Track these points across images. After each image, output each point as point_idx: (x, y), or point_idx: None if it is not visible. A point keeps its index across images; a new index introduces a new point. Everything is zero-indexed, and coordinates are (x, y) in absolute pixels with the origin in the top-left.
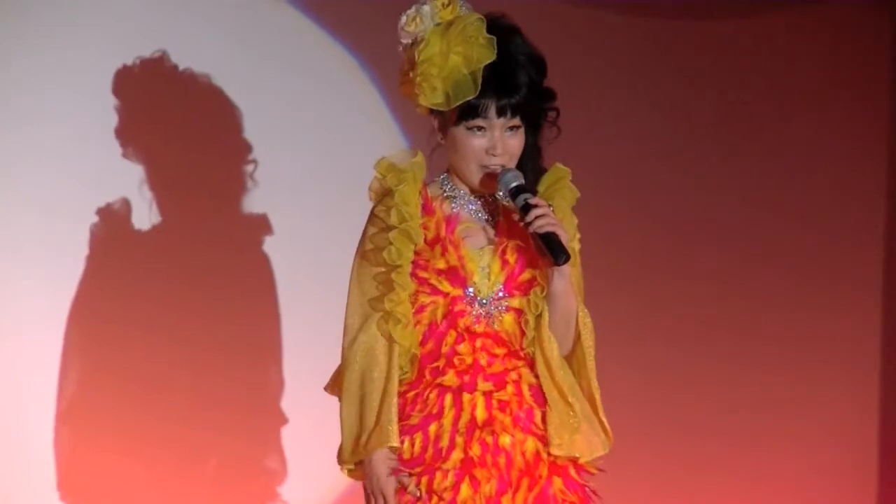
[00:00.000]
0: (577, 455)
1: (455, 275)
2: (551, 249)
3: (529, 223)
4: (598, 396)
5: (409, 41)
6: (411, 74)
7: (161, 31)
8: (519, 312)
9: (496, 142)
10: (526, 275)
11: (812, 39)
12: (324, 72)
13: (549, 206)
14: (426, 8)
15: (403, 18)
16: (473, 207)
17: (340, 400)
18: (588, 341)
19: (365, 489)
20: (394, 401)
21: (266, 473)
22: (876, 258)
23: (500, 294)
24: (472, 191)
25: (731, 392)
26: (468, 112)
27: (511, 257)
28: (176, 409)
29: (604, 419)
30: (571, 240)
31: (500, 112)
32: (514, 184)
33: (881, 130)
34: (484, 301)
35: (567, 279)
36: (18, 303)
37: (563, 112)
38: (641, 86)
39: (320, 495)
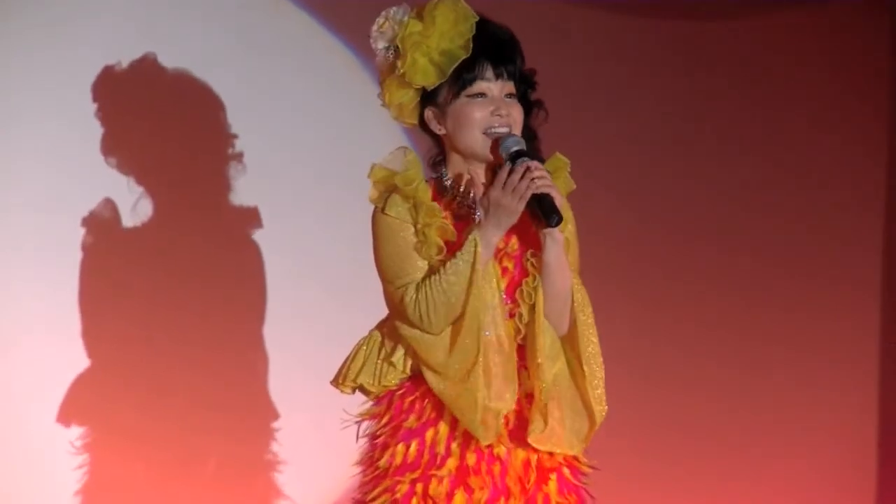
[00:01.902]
0: (550, 450)
1: None
2: (544, 210)
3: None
4: (590, 371)
5: (385, 43)
6: (398, 66)
7: (162, 30)
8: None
9: (499, 103)
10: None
11: (812, 39)
12: (326, 71)
13: (548, 172)
14: (394, 9)
15: (374, 26)
16: (475, 206)
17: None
18: (582, 315)
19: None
20: None
21: (266, 473)
22: (876, 258)
23: (503, 301)
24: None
25: (731, 392)
26: (466, 80)
27: (509, 264)
28: (176, 409)
29: (592, 400)
30: (567, 222)
31: (498, 74)
32: (514, 148)
33: (881, 130)
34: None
35: (561, 247)
36: (17, 303)
37: (563, 111)
38: (642, 86)
39: (321, 495)
